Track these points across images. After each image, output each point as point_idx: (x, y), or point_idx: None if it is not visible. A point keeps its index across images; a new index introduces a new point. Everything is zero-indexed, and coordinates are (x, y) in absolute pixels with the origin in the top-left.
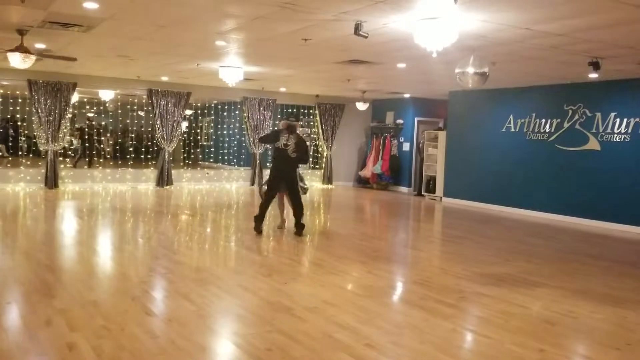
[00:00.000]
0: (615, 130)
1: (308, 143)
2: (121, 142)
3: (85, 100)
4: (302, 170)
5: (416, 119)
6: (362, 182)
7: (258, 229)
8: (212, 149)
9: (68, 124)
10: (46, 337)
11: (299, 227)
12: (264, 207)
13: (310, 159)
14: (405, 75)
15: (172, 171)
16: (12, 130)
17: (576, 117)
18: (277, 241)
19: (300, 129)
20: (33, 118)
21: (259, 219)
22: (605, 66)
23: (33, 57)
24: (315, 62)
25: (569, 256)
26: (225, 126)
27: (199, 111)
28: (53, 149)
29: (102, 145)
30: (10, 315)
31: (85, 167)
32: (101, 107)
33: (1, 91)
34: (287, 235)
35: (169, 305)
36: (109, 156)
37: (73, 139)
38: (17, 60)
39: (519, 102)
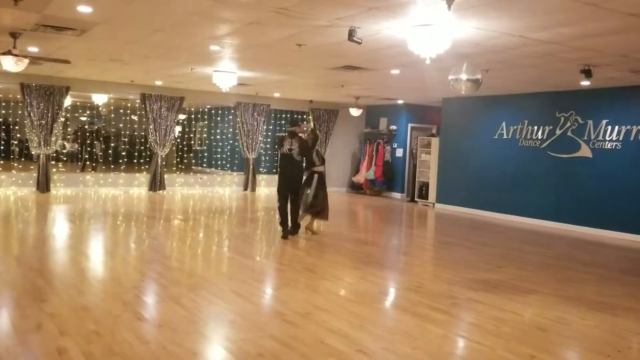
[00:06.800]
0: (607, 138)
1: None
2: (114, 146)
3: (78, 104)
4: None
5: (409, 125)
6: (355, 188)
7: (284, 235)
8: (206, 154)
9: (60, 128)
10: (36, 341)
11: (295, 227)
12: (283, 212)
13: (316, 154)
14: (399, 82)
15: (165, 176)
16: (4, 134)
17: (568, 124)
18: (270, 246)
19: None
20: (25, 121)
21: (284, 224)
22: (597, 74)
23: (26, 61)
24: (309, 68)
25: (561, 263)
26: (218, 131)
27: (193, 116)
28: (45, 153)
29: (94, 150)
30: (0, 320)
31: (78, 170)
32: (94, 111)
33: None
34: (280, 241)
35: (160, 310)
36: (101, 160)
37: (66, 143)
38: (9, 64)
39: (512, 109)
